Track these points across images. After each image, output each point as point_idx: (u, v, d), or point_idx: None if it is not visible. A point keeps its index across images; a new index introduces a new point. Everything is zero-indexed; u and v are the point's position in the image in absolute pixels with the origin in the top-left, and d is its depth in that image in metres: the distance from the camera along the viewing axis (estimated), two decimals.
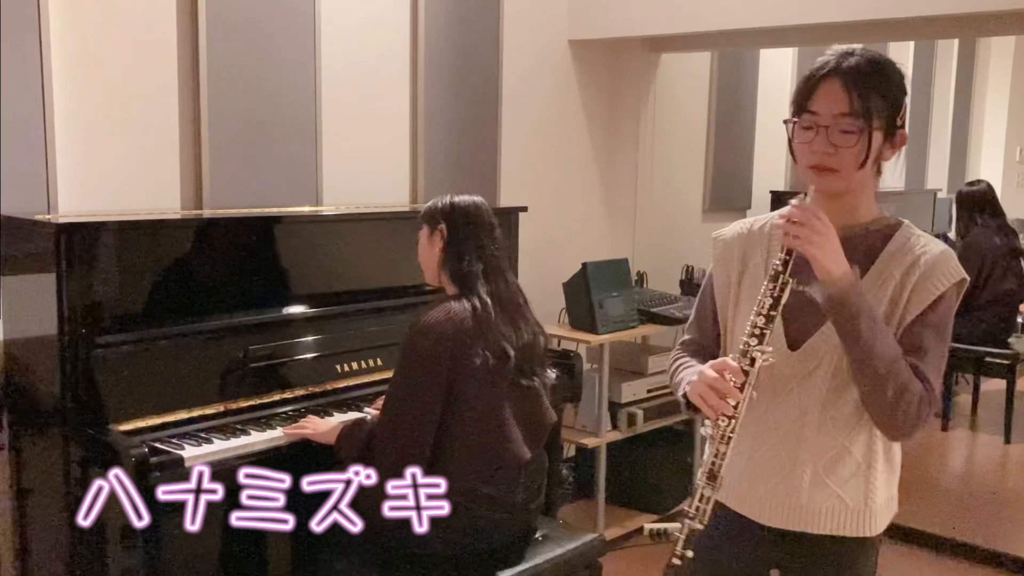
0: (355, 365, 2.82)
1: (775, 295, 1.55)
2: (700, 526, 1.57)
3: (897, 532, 3.89)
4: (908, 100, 1.64)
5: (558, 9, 4.21)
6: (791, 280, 1.55)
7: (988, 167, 8.05)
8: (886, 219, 1.67)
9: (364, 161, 3.54)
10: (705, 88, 5.03)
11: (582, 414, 3.75)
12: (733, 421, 1.56)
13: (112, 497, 2.29)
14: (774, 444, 1.68)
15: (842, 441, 1.64)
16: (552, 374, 3.05)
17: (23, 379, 2.61)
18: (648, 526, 3.68)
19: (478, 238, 2.40)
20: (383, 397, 2.69)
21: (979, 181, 5.65)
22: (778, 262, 1.55)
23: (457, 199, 2.44)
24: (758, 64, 5.32)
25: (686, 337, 1.86)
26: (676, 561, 1.57)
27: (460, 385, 2.29)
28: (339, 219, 3.12)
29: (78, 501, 2.36)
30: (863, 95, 1.55)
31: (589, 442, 3.71)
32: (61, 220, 2.45)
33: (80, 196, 2.80)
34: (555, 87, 4.26)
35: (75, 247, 2.37)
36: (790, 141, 1.62)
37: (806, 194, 1.58)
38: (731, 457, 1.62)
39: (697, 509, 1.56)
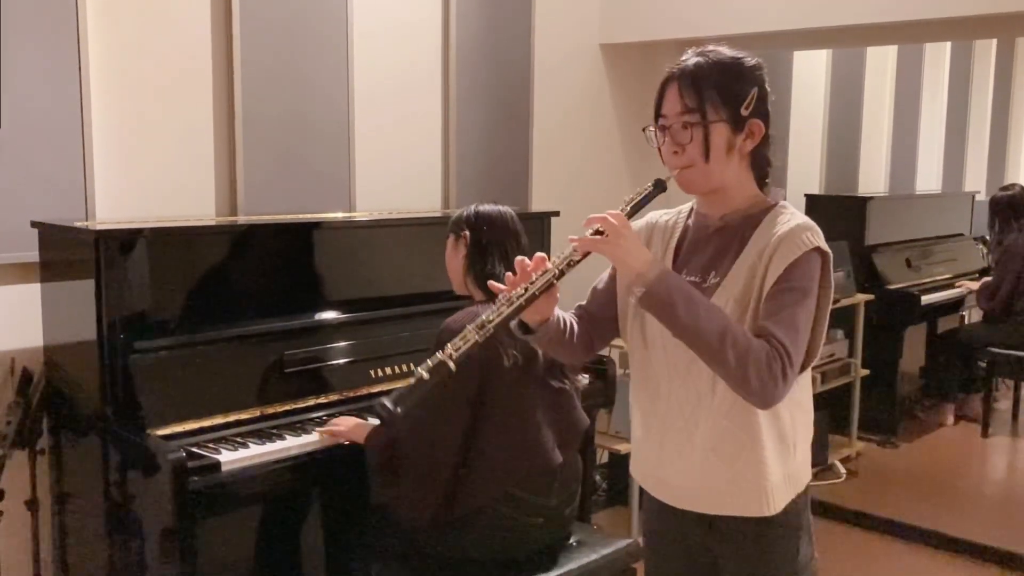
0: (389, 370, 2.83)
1: (552, 276, 1.59)
2: (451, 365, 1.56)
3: (939, 539, 3.84)
4: (763, 91, 1.70)
5: (589, 13, 4.21)
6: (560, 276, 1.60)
7: None
8: (765, 202, 1.72)
9: (396, 167, 3.56)
10: None
11: (615, 420, 3.73)
12: (524, 290, 1.59)
13: (149, 502, 2.33)
14: (677, 428, 1.72)
15: (725, 422, 1.66)
16: (584, 379, 3.04)
17: (62, 384, 2.64)
18: None
19: (502, 244, 2.40)
20: None
21: (1012, 185, 5.58)
22: (576, 256, 1.59)
23: (481, 208, 2.44)
24: (791, 67, 5.28)
25: (579, 304, 1.89)
26: (424, 375, 1.56)
27: (491, 388, 2.28)
28: (372, 225, 3.13)
29: (117, 505, 2.41)
30: (695, 92, 1.62)
31: (622, 448, 3.69)
32: (99, 227, 2.48)
33: (117, 203, 2.84)
34: (587, 91, 4.25)
35: (113, 253, 2.40)
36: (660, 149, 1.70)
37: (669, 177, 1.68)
38: (645, 443, 1.77)
39: (457, 349, 1.57)
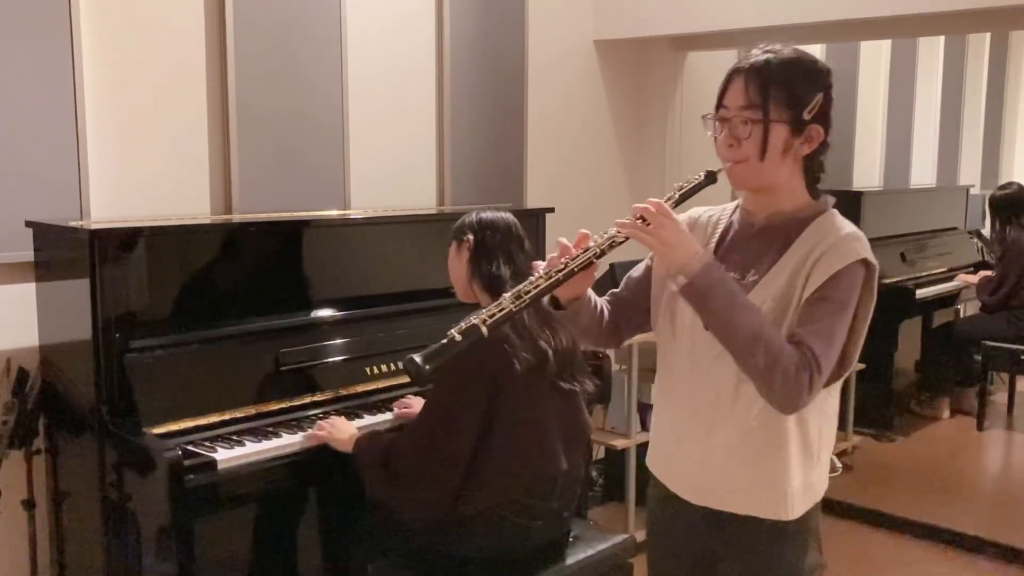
0: (384, 368, 2.83)
1: (593, 254, 1.60)
2: (484, 330, 1.50)
3: (935, 533, 3.85)
4: (828, 98, 1.68)
5: (583, 9, 4.21)
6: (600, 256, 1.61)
7: (1023, 163, 7.94)
8: (813, 207, 1.70)
9: (391, 165, 3.56)
10: None
11: (611, 415, 3.73)
12: (564, 265, 1.60)
13: (146, 500, 2.33)
14: (695, 423, 1.71)
15: (751, 421, 1.65)
16: (591, 386, 3.02)
17: (58, 384, 2.64)
18: None
19: (506, 247, 2.38)
20: (407, 398, 2.71)
21: (1010, 184, 5.57)
22: (620, 237, 1.59)
23: (484, 214, 2.43)
24: None
25: (612, 290, 1.89)
26: (456, 337, 1.50)
27: (502, 395, 2.27)
28: (367, 223, 3.13)
29: (113, 504, 2.42)
30: (761, 88, 1.61)
31: (619, 443, 3.70)
32: (94, 226, 2.48)
33: (112, 202, 2.84)
34: (581, 88, 4.25)
35: (108, 252, 2.40)
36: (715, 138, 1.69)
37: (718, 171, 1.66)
38: (666, 436, 1.78)
39: (491, 316, 1.52)
